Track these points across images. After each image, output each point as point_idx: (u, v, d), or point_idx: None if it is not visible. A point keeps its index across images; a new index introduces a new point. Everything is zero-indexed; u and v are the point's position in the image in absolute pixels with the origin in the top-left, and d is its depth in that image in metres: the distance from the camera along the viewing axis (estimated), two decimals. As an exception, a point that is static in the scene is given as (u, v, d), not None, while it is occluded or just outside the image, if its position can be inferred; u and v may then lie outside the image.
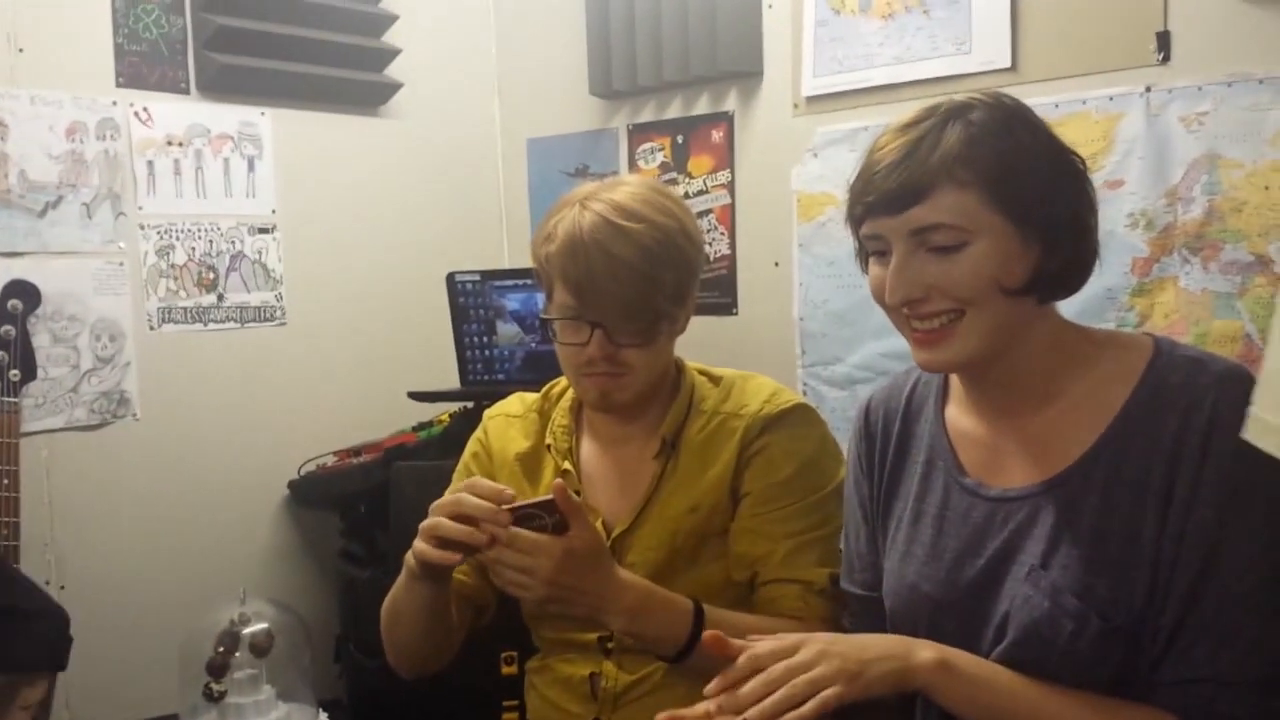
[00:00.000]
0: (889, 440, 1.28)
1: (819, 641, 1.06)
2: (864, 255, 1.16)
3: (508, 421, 1.60)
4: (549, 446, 1.54)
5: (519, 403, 1.63)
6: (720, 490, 1.45)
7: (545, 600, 1.28)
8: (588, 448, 1.54)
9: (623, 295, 1.37)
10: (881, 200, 1.08)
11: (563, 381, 1.58)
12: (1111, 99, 2.08)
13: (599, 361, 1.42)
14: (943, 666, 1.06)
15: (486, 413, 1.65)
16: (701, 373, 1.55)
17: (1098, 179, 2.02)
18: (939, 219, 1.05)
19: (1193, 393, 1.04)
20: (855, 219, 1.13)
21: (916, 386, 1.28)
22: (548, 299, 1.46)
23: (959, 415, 1.22)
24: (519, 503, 1.27)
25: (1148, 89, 2.04)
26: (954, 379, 1.24)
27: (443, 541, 1.27)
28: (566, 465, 1.51)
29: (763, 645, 1.06)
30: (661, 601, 1.34)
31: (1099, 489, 1.07)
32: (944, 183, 1.05)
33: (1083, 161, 1.12)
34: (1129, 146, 2.06)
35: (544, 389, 1.62)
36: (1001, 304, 1.07)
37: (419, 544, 1.30)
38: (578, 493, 1.47)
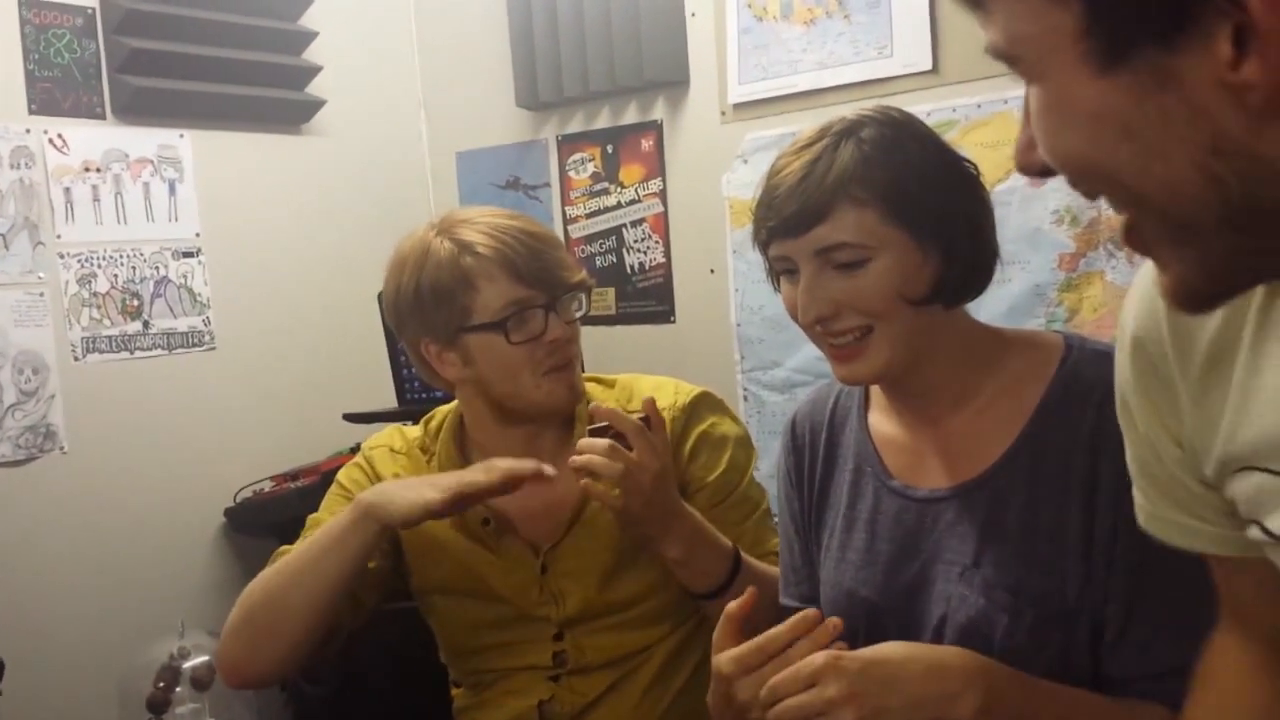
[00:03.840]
0: (816, 452, 1.30)
1: (847, 676, 0.97)
2: (774, 275, 1.19)
3: (391, 456, 1.53)
4: None
5: (400, 437, 1.56)
6: None
7: (640, 508, 1.30)
8: None
9: (563, 262, 1.42)
10: (783, 223, 1.10)
11: (440, 413, 1.55)
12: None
13: (562, 347, 1.41)
14: (984, 715, 1.00)
15: (366, 444, 1.57)
16: (588, 379, 1.54)
17: (1021, 178, 2.06)
18: (840, 238, 1.08)
19: (1107, 385, 1.06)
20: (762, 242, 1.15)
21: (839, 397, 1.30)
22: (469, 314, 1.39)
23: (882, 421, 1.24)
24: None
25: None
26: (874, 387, 1.26)
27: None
28: None
29: (784, 676, 1.00)
30: (710, 537, 1.36)
31: (1023, 485, 1.09)
32: (842, 202, 1.08)
33: (974, 167, 1.15)
34: (1051, 144, 2.09)
35: (423, 422, 1.56)
36: (908, 315, 1.10)
37: (464, 476, 1.31)
38: (488, 521, 1.45)
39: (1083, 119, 0.55)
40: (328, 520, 1.39)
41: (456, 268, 1.38)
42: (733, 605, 1.10)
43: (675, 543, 1.34)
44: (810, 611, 1.05)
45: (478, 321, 1.39)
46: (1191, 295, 0.60)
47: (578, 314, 1.45)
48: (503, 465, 1.32)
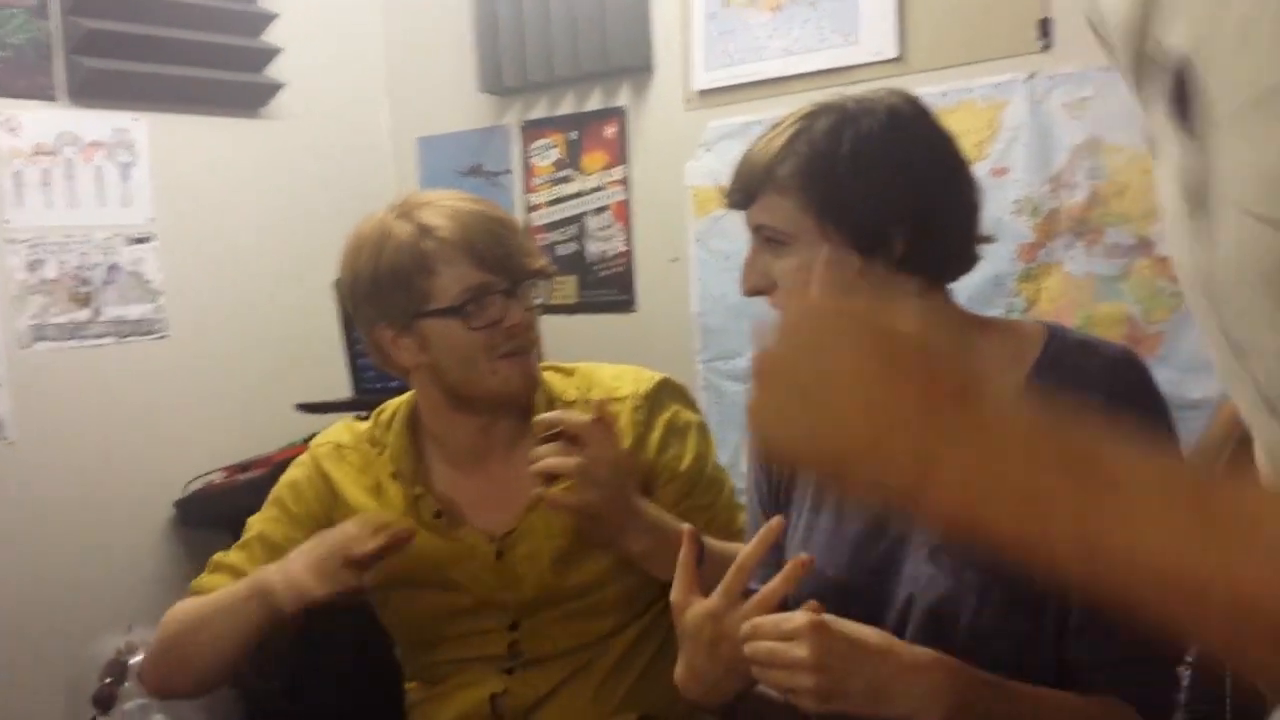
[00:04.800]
0: None
1: (822, 646, 0.96)
2: None
3: (339, 452, 1.50)
4: (394, 474, 1.46)
5: (348, 432, 1.53)
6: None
7: (600, 502, 1.29)
8: (441, 472, 1.47)
9: (525, 248, 1.41)
10: (729, 196, 1.18)
11: (393, 405, 1.52)
12: (996, 87, 2.11)
13: (520, 333, 1.39)
14: None
15: (314, 443, 1.54)
16: (546, 368, 1.51)
17: (983, 167, 2.05)
18: (764, 219, 1.13)
19: (1086, 375, 1.07)
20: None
21: None
22: (427, 298, 1.36)
23: None
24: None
25: (1031, 76, 2.07)
26: None
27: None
28: (418, 490, 1.44)
29: (768, 620, 1.01)
30: (673, 526, 1.34)
31: None
32: (766, 186, 1.12)
33: (961, 165, 1.14)
34: (1014, 134, 2.09)
35: (374, 415, 1.53)
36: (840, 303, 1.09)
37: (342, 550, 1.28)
38: (440, 514, 1.43)
39: None
40: (263, 529, 1.43)
41: (416, 250, 1.35)
42: (683, 554, 1.12)
43: (638, 537, 1.33)
44: (774, 520, 1.09)
45: (436, 306, 1.36)
46: None
47: (537, 301, 1.43)
48: (375, 526, 1.31)
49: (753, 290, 1.16)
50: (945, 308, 1.16)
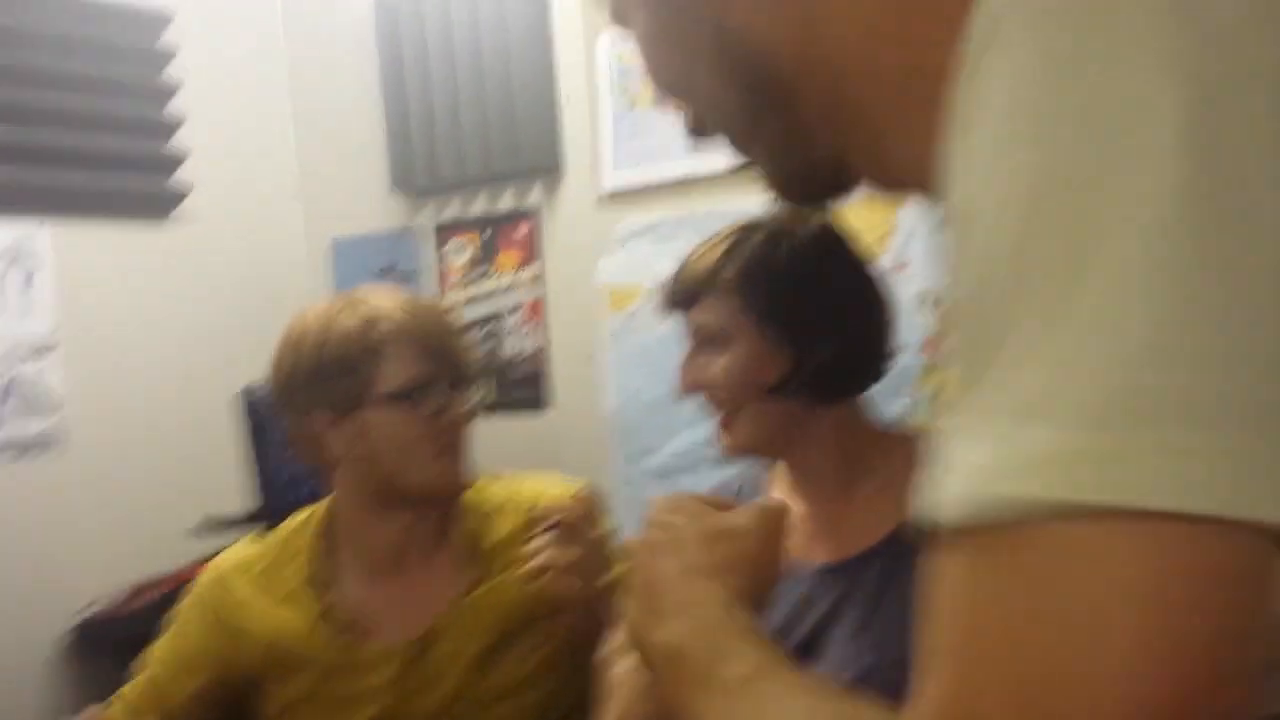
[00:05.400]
0: None
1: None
2: None
3: (240, 569, 1.46)
4: (307, 580, 1.42)
5: (251, 547, 1.49)
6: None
7: (591, 589, 1.28)
8: (355, 580, 1.43)
9: (467, 347, 1.44)
10: (670, 299, 1.25)
11: (305, 513, 1.50)
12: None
13: (460, 429, 1.39)
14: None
15: (214, 564, 1.49)
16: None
17: (883, 263, 2.09)
18: (706, 319, 1.20)
19: None
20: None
21: (745, 482, 1.36)
22: (372, 384, 1.35)
23: (784, 498, 1.26)
24: None
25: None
26: (779, 466, 1.32)
27: None
28: (330, 598, 1.40)
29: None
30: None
31: (910, 565, 1.09)
32: (710, 288, 1.20)
33: (877, 282, 1.23)
34: (911, 229, 2.14)
35: (285, 523, 1.50)
36: (767, 403, 1.19)
37: None
38: (348, 627, 1.39)
39: (648, 42, 0.62)
40: (153, 671, 1.42)
41: (365, 338, 1.35)
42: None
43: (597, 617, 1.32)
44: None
45: (381, 391, 1.36)
46: (787, 187, 0.63)
47: (474, 402, 1.44)
48: None
49: (690, 388, 1.23)
50: (856, 422, 1.24)
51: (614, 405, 2.53)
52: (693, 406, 1.24)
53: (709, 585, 0.76)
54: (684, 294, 1.23)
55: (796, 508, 1.26)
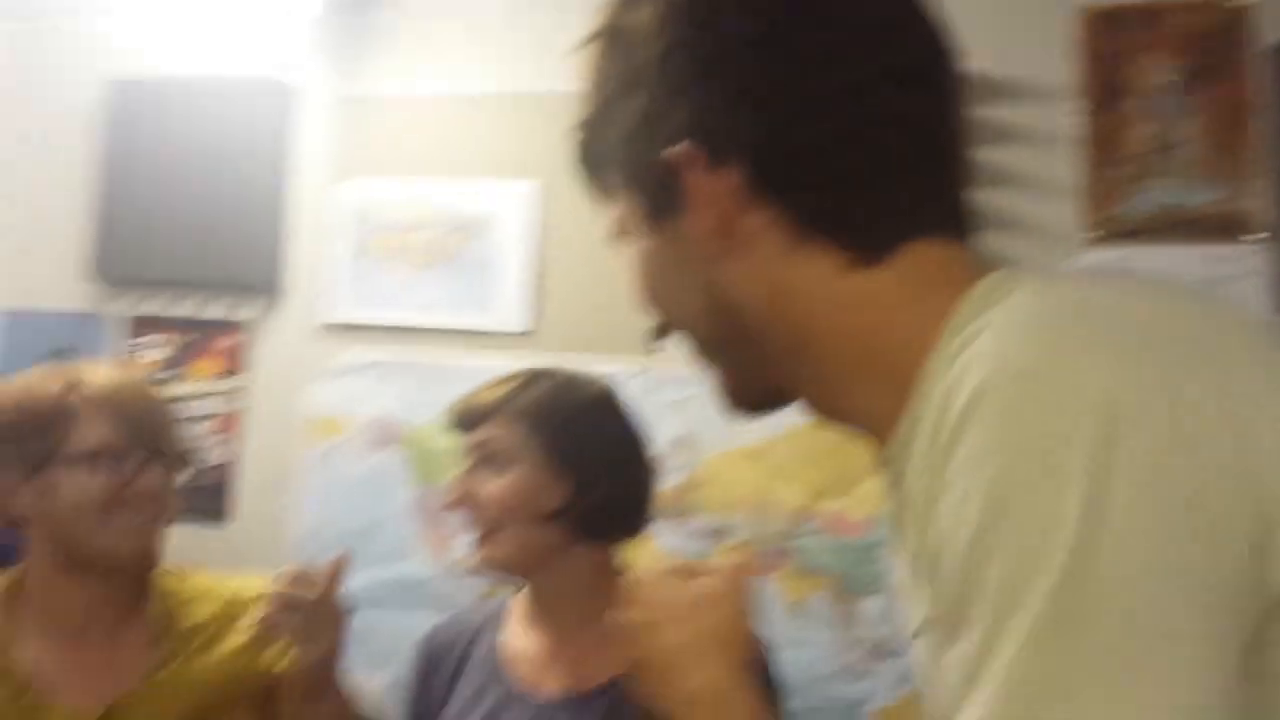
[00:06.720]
0: (442, 667, 1.40)
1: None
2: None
3: None
4: None
5: None
6: (246, 664, 1.45)
7: (329, 651, 1.33)
8: (38, 644, 1.40)
9: (174, 428, 1.47)
10: (458, 419, 1.36)
11: None
12: (609, 377, 2.39)
13: (151, 500, 1.39)
14: None
15: None
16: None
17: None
18: (490, 437, 1.32)
19: None
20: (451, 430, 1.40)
21: (480, 618, 1.42)
22: (61, 444, 1.36)
23: (517, 635, 1.37)
24: None
25: (642, 372, 2.39)
26: (516, 602, 1.39)
27: None
28: (4, 661, 1.36)
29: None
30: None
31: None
32: (500, 412, 1.33)
33: (642, 445, 1.40)
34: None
35: None
36: (533, 527, 1.29)
37: None
38: (26, 690, 1.35)
39: (644, 267, 0.75)
40: None
41: (63, 400, 1.36)
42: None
43: (335, 694, 1.37)
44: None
45: (71, 451, 1.36)
46: (737, 399, 0.77)
47: (175, 482, 1.46)
48: None
49: (458, 502, 1.32)
50: (608, 565, 1.36)
51: (305, 529, 2.51)
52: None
53: (717, 664, 0.90)
54: (472, 415, 1.34)
55: (531, 639, 1.36)
